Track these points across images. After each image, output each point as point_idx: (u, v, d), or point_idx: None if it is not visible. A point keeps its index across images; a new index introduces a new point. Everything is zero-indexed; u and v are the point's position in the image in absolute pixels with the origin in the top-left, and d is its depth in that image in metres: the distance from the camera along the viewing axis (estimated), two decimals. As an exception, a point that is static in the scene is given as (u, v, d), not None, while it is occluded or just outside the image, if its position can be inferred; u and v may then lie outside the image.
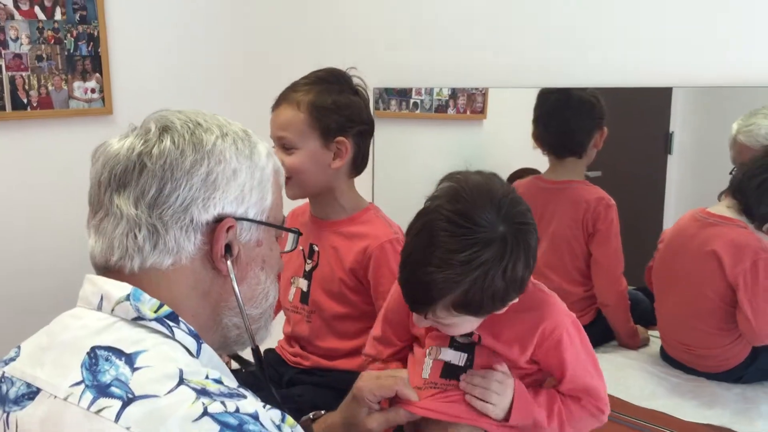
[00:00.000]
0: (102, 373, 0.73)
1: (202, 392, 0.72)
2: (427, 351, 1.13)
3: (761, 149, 1.49)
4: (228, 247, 0.85)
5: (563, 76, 1.74)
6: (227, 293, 0.87)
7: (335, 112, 1.46)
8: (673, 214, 1.74)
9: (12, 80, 1.99)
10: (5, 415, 0.78)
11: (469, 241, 0.94)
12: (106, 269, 0.85)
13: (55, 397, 0.74)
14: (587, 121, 1.78)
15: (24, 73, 2.00)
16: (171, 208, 0.81)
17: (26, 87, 2.01)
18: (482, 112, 2.03)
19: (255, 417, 0.72)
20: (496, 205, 0.97)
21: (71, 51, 2.08)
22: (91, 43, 2.11)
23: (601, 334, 1.76)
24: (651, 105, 1.73)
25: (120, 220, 0.82)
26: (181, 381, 0.73)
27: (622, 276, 1.74)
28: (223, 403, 0.71)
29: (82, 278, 2.19)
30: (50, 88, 2.06)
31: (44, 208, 2.12)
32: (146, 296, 0.81)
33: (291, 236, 1.00)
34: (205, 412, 0.69)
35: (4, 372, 0.82)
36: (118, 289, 0.81)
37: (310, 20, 2.29)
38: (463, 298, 0.97)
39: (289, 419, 0.76)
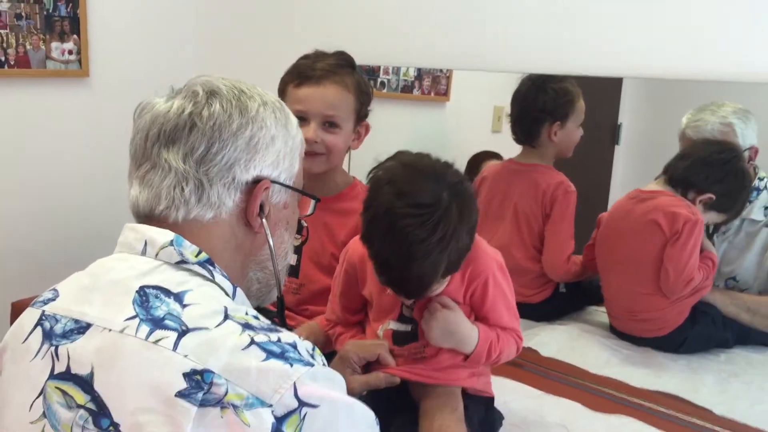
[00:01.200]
0: (154, 309, 0.81)
1: (246, 326, 0.80)
2: (378, 331, 1.26)
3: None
4: (260, 207, 0.93)
5: (518, 62, 1.81)
6: (256, 249, 0.96)
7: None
8: (618, 203, 1.86)
9: (-10, 37, 2.01)
10: (53, 348, 0.83)
11: (432, 222, 1.06)
12: (150, 218, 0.91)
13: (110, 330, 0.80)
14: (531, 112, 1.86)
15: (2, 31, 2.03)
16: (217, 166, 0.88)
17: (4, 45, 2.03)
18: (446, 94, 2.12)
19: (294, 346, 0.80)
20: (431, 178, 1.09)
21: (50, 11, 2.10)
22: (71, 4, 2.13)
23: (557, 309, 1.90)
24: (601, 95, 1.81)
25: (168, 172, 0.88)
26: (227, 316, 0.81)
27: (568, 260, 1.84)
28: (266, 334, 0.80)
29: (56, 233, 2.27)
30: (28, 47, 2.08)
31: (15, 166, 2.15)
32: (187, 243, 0.88)
33: (312, 202, 1.07)
34: (252, 342, 0.78)
35: (44, 311, 0.88)
36: (162, 235, 0.88)
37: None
38: (448, 266, 1.10)
39: (317, 349, 0.84)
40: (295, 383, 0.75)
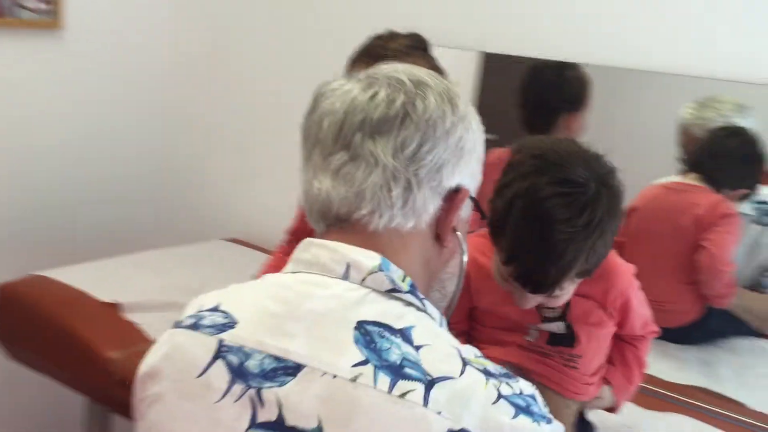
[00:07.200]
0: (386, 352, 0.69)
1: (486, 373, 0.70)
2: (530, 331, 1.15)
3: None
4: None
5: (484, 42, 1.80)
6: (440, 266, 0.84)
7: None
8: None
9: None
10: (252, 390, 0.70)
11: (581, 203, 0.94)
12: (343, 220, 0.78)
13: (334, 376, 0.68)
14: (545, 102, 1.80)
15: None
16: (426, 166, 0.77)
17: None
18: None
19: (534, 398, 0.72)
20: (582, 163, 0.97)
21: (21, -47, 1.84)
22: (44, -54, 1.87)
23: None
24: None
25: (374, 168, 0.76)
26: (464, 361, 0.71)
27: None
28: (508, 384, 0.71)
29: (20, 204, 2.01)
30: (-4, -9, 1.80)
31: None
32: (393, 266, 0.76)
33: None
34: (500, 395, 0.69)
35: (221, 340, 0.74)
36: (368, 258, 0.75)
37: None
38: (585, 263, 0.98)
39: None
40: None
